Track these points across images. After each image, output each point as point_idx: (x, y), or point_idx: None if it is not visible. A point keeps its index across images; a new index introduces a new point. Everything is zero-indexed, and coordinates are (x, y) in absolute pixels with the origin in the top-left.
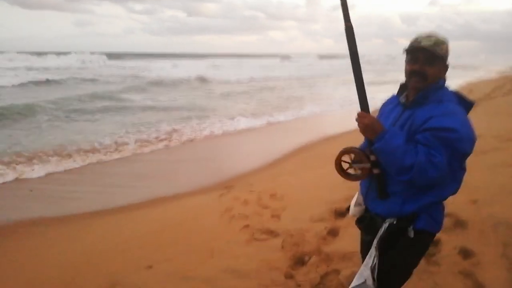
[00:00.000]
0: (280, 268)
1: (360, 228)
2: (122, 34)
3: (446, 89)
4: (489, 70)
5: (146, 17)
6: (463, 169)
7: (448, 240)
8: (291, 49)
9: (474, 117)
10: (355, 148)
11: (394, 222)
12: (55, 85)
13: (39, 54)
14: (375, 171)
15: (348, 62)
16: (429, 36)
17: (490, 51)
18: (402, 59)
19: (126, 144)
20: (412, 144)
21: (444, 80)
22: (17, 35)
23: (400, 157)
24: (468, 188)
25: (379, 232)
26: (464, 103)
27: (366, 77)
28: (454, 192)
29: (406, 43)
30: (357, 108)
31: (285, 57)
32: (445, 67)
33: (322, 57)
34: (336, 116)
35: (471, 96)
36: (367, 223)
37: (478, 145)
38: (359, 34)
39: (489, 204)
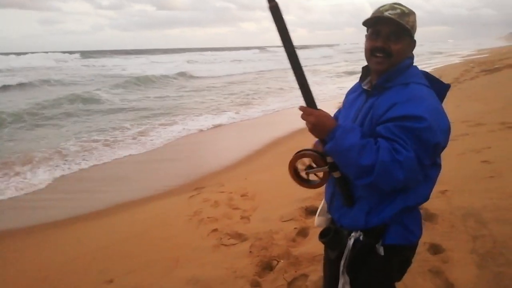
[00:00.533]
0: (247, 276)
1: (323, 243)
2: (90, 31)
3: (415, 69)
4: (457, 54)
5: (114, 12)
6: (437, 166)
7: None
8: (265, 41)
9: (444, 102)
10: (309, 150)
11: (361, 238)
12: (30, 88)
13: (4, 54)
14: (335, 174)
15: (322, 51)
16: (393, 6)
17: (458, 35)
18: None
19: (94, 148)
20: (372, 139)
21: (412, 59)
22: None
23: (356, 157)
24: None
25: (345, 251)
26: (436, 86)
27: (344, 67)
28: (427, 195)
29: None
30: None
31: (262, 49)
32: (413, 43)
33: (299, 48)
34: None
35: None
36: (331, 237)
37: None
38: (332, 23)
39: (459, 193)
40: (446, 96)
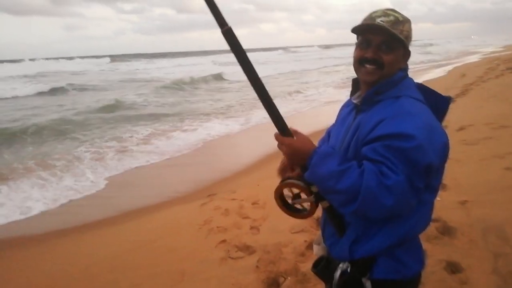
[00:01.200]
0: None
1: (314, 274)
2: (113, 36)
3: (408, 81)
4: (481, 52)
5: (136, 16)
6: (432, 189)
7: (433, 251)
8: (285, 41)
9: (467, 103)
10: (293, 179)
11: (348, 269)
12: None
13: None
14: (323, 204)
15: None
16: (387, 12)
17: (482, 31)
18: None
19: (106, 153)
20: (356, 162)
21: (405, 70)
22: (5, 42)
23: (334, 185)
24: (457, 187)
25: (333, 284)
26: (432, 99)
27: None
28: (424, 224)
29: None
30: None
31: (286, 49)
32: (407, 54)
33: (326, 47)
34: (324, 110)
35: (463, 81)
36: (321, 268)
37: (468, 136)
38: (352, 21)
39: (479, 204)
40: (470, 97)
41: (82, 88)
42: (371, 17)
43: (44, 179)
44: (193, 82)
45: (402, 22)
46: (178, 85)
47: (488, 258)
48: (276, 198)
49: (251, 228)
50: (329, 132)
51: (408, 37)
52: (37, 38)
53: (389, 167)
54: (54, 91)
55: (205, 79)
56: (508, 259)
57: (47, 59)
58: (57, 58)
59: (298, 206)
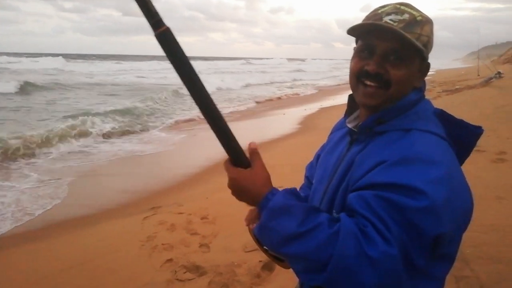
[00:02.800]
0: None
1: None
2: (52, 34)
3: (425, 106)
4: None
5: (77, 15)
6: (446, 258)
7: None
8: (234, 51)
9: None
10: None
11: None
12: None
13: None
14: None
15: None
16: (399, 7)
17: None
18: None
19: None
20: (327, 217)
21: (421, 91)
22: None
23: (290, 249)
24: None
25: None
26: (457, 133)
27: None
28: None
29: (342, 47)
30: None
31: (247, 60)
32: (424, 67)
33: (290, 60)
34: (276, 119)
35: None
36: None
37: None
38: (299, 37)
39: None
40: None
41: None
42: (377, 14)
43: None
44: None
45: (421, 23)
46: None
47: (450, 281)
48: (251, 235)
49: (201, 245)
50: (318, 156)
51: (428, 44)
52: None
53: (378, 230)
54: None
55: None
56: (469, 282)
57: None
58: None
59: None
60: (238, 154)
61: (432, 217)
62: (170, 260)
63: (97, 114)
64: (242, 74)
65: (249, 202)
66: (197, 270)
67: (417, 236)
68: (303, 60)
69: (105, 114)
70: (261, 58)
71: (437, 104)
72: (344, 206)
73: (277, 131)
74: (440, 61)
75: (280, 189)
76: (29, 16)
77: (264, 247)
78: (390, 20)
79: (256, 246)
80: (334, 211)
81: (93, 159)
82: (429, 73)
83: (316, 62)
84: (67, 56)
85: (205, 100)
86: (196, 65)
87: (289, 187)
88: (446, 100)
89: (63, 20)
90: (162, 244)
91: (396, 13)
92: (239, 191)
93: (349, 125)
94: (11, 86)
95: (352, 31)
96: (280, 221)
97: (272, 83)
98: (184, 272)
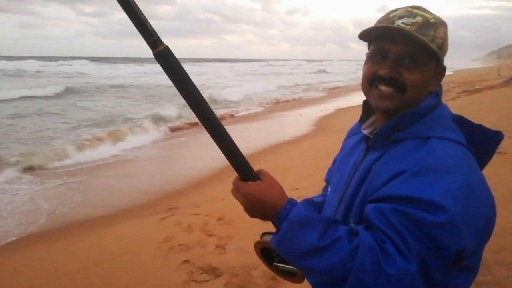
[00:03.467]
0: None
1: None
2: (72, 38)
3: (443, 112)
4: None
5: (96, 19)
6: (469, 269)
7: None
8: (249, 53)
9: None
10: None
11: None
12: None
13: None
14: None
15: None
16: (412, 11)
17: None
18: None
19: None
20: (346, 230)
21: (438, 96)
22: None
23: (312, 264)
24: None
25: None
26: (478, 139)
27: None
28: None
29: (359, 48)
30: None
31: (266, 61)
32: (440, 71)
33: (308, 61)
34: (291, 120)
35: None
36: None
37: None
38: (315, 39)
39: None
40: None
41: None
42: (389, 18)
43: None
44: None
45: (434, 26)
46: None
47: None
48: (257, 253)
49: (217, 247)
50: (335, 161)
51: (443, 46)
52: None
53: (396, 246)
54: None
55: None
56: None
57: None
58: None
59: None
60: (246, 169)
61: (452, 232)
62: (186, 261)
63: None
64: (269, 75)
65: (264, 217)
66: (213, 271)
67: (437, 252)
68: (320, 61)
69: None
70: (278, 60)
71: (456, 105)
72: (361, 216)
73: (292, 132)
74: (459, 61)
75: (295, 191)
76: (50, 21)
77: (273, 264)
78: (403, 23)
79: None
80: (351, 220)
81: (111, 160)
82: (447, 73)
83: (333, 63)
84: (87, 59)
85: (209, 118)
86: (226, 68)
87: (304, 188)
88: (465, 101)
89: (83, 24)
90: (179, 245)
91: (408, 16)
92: (255, 205)
93: (365, 132)
94: (56, 89)
95: (364, 35)
96: (300, 234)
97: (309, 84)
98: (201, 273)
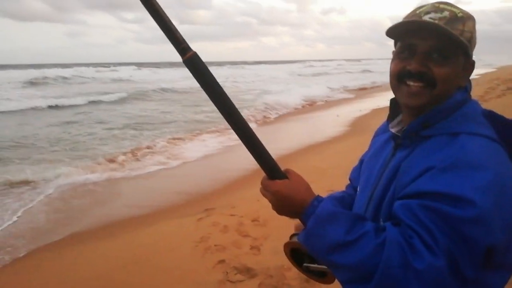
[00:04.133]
0: None
1: None
2: (114, 44)
3: (472, 107)
4: (478, 72)
5: (137, 26)
6: (502, 267)
7: None
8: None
9: None
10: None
11: None
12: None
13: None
14: None
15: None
16: (439, 6)
17: (479, 51)
18: None
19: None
20: (372, 226)
21: (467, 91)
22: (10, 47)
23: (338, 258)
24: None
25: None
26: (507, 133)
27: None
28: None
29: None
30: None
31: (306, 63)
32: (469, 65)
33: (348, 60)
34: (321, 121)
35: None
36: None
37: None
38: (351, 38)
39: None
40: None
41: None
42: (416, 14)
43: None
44: None
45: (462, 20)
46: None
47: None
48: (286, 254)
49: (252, 247)
50: (361, 161)
51: (472, 40)
52: (40, 44)
53: (424, 241)
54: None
55: None
56: None
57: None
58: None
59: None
60: (273, 168)
61: (481, 227)
62: (222, 261)
63: None
64: (319, 77)
65: (292, 213)
66: (248, 272)
67: (466, 248)
68: (358, 60)
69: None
70: (318, 60)
71: (502, 103)
72: (391, 214)
73: (327, 133)
74: (504, 56)
75: (331, 193)
76: (95, 29)
77: (303, 265)
78: (430, 18)
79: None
80: (381, 219)
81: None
82: (490, 69)
83: (375, 62)
84: (131, 65)
85: (237, 120)
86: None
87: (339, 190)
88: (509, 99)
89: (125, 31)
90: (215, 245)
91: (435, 11)
92: (282, 202)
93: (393, 130)
94: (120, 95)
95: (393, 29)
96: (327, 228)
97: (363, 84)
98: (235, 274)
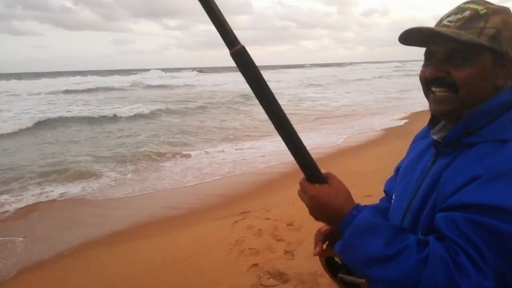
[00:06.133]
0: None
1: None
2: (158, 51)
3: None
4: None
5: (180, 32)
6: None
7: None
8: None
9: None
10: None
11: None
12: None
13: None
14: None
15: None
16: (463, 6)
17: None
18: None
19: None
20: (414, 239)
21: (510, 93)
22: (62, 55)
23: (376, 272)
24: None
25: None
26: None
27: None
28: None
29: None
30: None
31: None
32: (504, 62)
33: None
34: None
35: None
36: None
37: None
38: (392, 39)
39: None
40: None
41: None
42: (440, 18)
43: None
44: None
45: (485, 16)
46: None
47: None
48: (321, 262)
49: (285, 252)
50: (397, 169)
51: (499, 35)
52: (89, 51)
53: (471, 259)
54: None
55: None
56: None
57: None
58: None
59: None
60: (314, 170)
61: None
62: (255, 265)
63: None
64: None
65: (329, 220)
66: (281, 277)
67: None
68: (401, 62)
69: None
70: (359, 63)
71: None
72: (430, 226)
73: (365, 137)
74: None
75: (368, 198)
76: (140, 36)
77: (338, 275)
78: (448, 21)
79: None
80: (419, 231)
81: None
82: None
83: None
84: (170, 70)
85: (280, 118)
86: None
87: (377, 196)
88: None
89: (168, 38)
90: (249, 248)
91: (456, 13)
92: (320, 208)
93: (435, 137)
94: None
95: (403, 40)
96: (365, 240)
97: None
98: (268, 278)
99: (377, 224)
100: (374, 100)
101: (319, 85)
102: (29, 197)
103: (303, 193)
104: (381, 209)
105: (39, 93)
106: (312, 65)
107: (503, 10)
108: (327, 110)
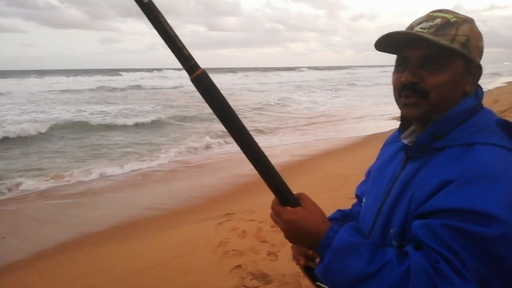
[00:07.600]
0: None
1: None
2: (146, 50)
3: (486, 114)
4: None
5: None
6: None
7: None
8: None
9: None
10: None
11: None
12: None
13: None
14: None
15: None
16: (432, 15)
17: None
18: None
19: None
20: (394, 253)
21: (478, 97)
22: (47, 53)
23: None
24: None
25: None
26: None
27: None
28: None
29: None
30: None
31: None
32: (473, 69)
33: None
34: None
35: (496, 107)
36: None
37: None
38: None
39: None
40: None
41: None
42: (409, 27)
43: None
44: None
45: (456, 24)
46: None
47: None
48: (301, 269)
49: (269, 253)
50: (368, 173)
51: (469, 43)
52: (76, 50)
53: (451, 265)
54: None
55: None
56: None
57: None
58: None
59: None
60: (286, 192)
61: (510, 245)
62: (239, 266)
63: None
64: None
65: (306, 244)
66: (264, 278)
67: (497, 269)
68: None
69: None
70: (361, 66)
71: None
72: (402, 231)
73: (350, 140)
74: None
75: (353, 200)
76: (127, 35)
77: (316, 283)
78: (420, 28)
79: None
80: (391, 235)
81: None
82: None
83: None
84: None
85: (246, 140)
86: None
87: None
88: None
89: (155, 37)
90: (233, 250)
91: (427, 21)
92: (296, 233)
93: (405, 141)
94: None
95: (379, 46)
96: (346, 261)
97: None
98: (251, 279)
99: (356, 244)
100: (360, 104)
101: (307, 88)
102: None
103: (276, 218)
104: (355, 217)
105: None
106: (302, 67)
107: (470, 20)
108: (314, 113)
